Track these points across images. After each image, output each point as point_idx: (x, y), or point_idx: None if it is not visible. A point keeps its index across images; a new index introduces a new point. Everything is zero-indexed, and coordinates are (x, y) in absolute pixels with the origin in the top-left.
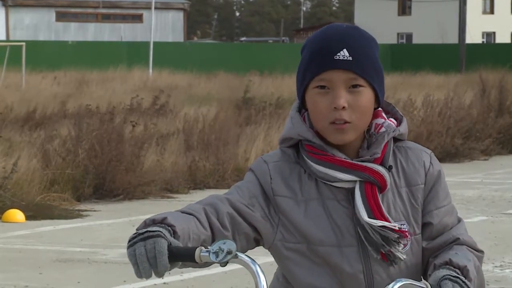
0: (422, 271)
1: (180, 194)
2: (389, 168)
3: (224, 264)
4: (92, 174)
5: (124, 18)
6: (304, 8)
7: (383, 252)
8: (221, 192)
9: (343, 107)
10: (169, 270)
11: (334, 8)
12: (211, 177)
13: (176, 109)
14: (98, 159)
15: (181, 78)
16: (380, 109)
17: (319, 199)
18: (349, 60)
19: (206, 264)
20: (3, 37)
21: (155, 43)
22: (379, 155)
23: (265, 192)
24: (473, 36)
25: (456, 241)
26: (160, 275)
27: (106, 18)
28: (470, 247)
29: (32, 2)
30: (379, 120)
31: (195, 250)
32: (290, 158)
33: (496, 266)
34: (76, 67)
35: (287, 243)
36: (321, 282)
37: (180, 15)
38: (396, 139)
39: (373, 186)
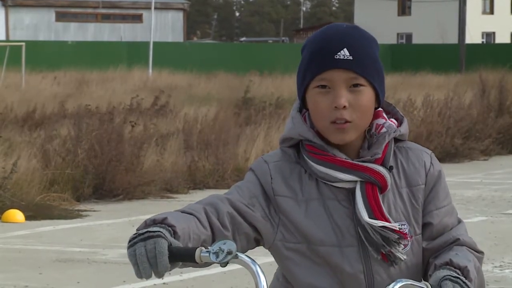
0: (422, 271)
1: (180, 194)
2: (390, 169)
3: (224, 264)
4: (91, 174)
5: (124, 18)
6: (304, 8)
7: (384, 252)
8: (221, 192)
9: (344, 107)
10: (169, 270)
11: (334, 8)
12: (211, 177)
13: (176, 109)
14: (98, 159)
15: (181, 78)
16: (381, 109)
17: (319, 199)
18: (350, 59)
19: (206, 264)
20: (3, 37)
21: (155, 43)
22: (380, 156)
23: (265, 192)
24: (473, 36)
25: (456, 242)
26: (160, 275)
27: (106, 18)
28: (470, 248)
29: (32, 2)
30: (380, 121)
31: (195, 250)
32: (291, 158)
33: (495, 266)
34: (76, 67)
35: (288, 243)
36: (321, 282)
37: (179, 15)
38: (396, 140)
39: (374, 186)
